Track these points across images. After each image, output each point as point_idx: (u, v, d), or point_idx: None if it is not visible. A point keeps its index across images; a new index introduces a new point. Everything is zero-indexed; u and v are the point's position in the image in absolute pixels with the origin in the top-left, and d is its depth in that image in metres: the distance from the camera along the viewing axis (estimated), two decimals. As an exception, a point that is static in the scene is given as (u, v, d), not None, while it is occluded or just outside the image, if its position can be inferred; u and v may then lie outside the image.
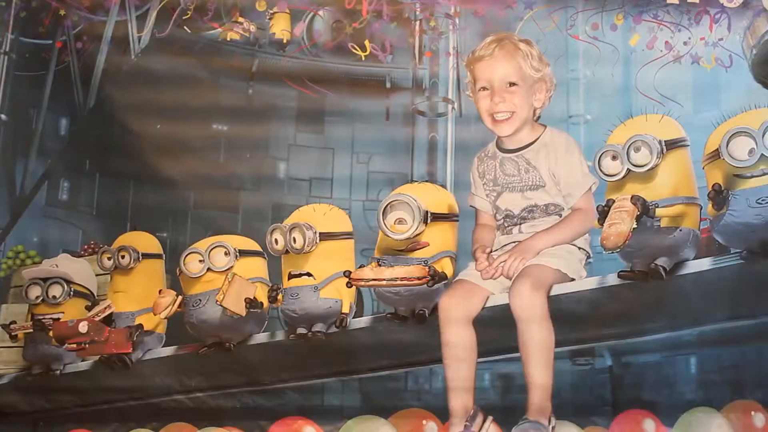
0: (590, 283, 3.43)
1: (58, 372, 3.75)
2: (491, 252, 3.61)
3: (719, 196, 3.45)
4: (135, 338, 3.66)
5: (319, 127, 3.96)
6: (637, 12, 3.79)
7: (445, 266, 3.36)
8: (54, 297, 3.80)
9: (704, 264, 3.41)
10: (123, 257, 3.79)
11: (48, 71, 4.05)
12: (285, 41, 3.97)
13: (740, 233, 3.40)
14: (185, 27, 4.00)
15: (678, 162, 3.56)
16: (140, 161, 3.92)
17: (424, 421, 3.29)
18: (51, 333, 3.73)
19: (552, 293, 3.41)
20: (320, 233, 3.35)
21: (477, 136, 3.76)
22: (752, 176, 3.38)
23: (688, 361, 3.51)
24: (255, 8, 4.00)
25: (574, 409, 3.48)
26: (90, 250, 3.92)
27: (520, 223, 3.56)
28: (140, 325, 3.70)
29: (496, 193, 3.66)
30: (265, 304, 3.62)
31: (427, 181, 3.70)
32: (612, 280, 3.43)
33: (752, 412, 3.38)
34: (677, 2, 3.73)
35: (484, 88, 3.68)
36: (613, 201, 3.52)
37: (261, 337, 3.68)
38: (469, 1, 3.87)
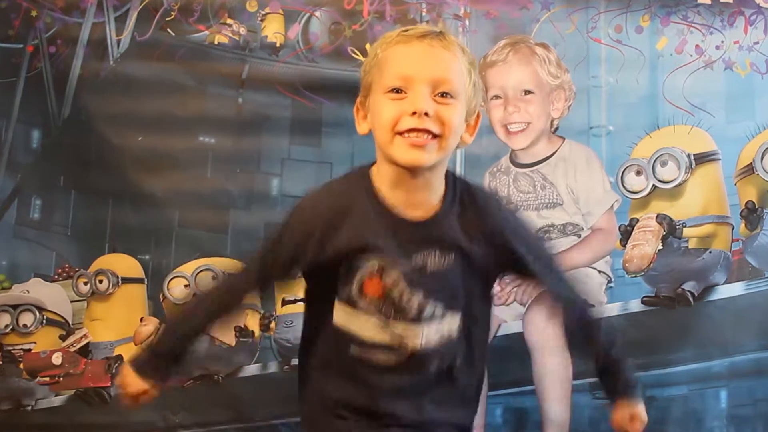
0: (612, 309, 3.53)
1: (30, 408, 3.83)
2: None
3: (753, 215, 3.57)
4: (114, 371, 3.75)
5: (316, 140, 3.92)
6: (664, 13, 3.80)
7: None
8: (25, 326, 3.88)
9: (736, 289, 3.53)
10: (101, 282, 3.88)
11: (18, 78, 4.06)
12: (278, 45, 3.97)
13: (776, 255, 3.57)
14: (168, 29, 4.00)
15: (708, 177, 3.64)
16: (120, 176, 3.96)
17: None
18: (22, 365, 3.84)
19: (570, 321, 3.63)
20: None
21: (489, 149, 3.80)
22: (789, 193, 3.55)
23: (717, 395, 3.56)
24: (245, 9, 3.99)
25: (595, 447, 3.56)
26: (64, 274, 3.98)
27: (536, 245, 3.71)
28: (120, 357, 3.78)
29: (509, 211, 3.81)
30: (257, 332, 3.73)
31: (434, 197, 3.79)
32: (635, 306, 3.55)
33: (787, 450, 3.51)
34: (709, 2, 3.77)
35: (496, 97, 3.80)
36: (637, 220, 3.59)
37: (252, 369, 3.78)
38: (481, 1, 3.89)
